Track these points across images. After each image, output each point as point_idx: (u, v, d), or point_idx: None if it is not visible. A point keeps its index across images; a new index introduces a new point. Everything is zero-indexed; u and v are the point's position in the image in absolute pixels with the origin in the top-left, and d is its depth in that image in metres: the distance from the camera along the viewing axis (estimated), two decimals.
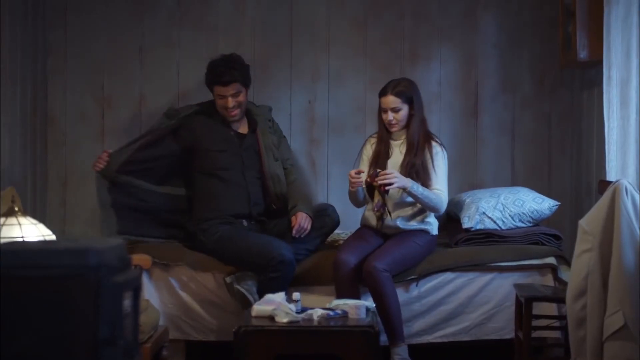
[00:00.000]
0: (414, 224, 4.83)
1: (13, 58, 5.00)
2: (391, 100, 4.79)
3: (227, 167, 4.98)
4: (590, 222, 3.89)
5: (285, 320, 4.10)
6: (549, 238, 5.04)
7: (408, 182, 4.68)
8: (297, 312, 4.19)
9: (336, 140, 5.78)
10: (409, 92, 4.81)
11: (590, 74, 5.37)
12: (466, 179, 5.78)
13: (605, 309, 3.74)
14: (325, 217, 5.02)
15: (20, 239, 3.67)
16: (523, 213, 5.11)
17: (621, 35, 4.36)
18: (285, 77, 5.79)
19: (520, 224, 5.11)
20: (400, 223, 4.81)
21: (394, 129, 4.84)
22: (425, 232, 4.86)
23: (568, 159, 5.77)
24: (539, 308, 4.61)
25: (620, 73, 4.36)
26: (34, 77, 5.43)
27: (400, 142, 4.87)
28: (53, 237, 3.83)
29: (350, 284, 4.64)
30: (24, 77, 5.23)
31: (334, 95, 5.78)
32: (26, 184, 5.24)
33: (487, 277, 4.93)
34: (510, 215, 5.09)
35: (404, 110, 4.80)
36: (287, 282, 4.68)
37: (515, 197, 5.16)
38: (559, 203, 5.20)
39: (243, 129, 5.11)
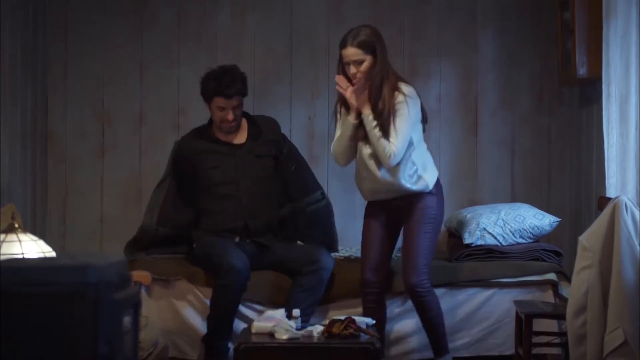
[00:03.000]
0: (407, 183, 4.48)
1: (13, 74, 5.01)
2: (352, 52, 4.43)
3: (221, 182, 4.95)
4: (590, 238, 3.89)
5: (285, 337, 4.09)
6: (549, 254, 5.04)
7: (366, 109, 4.41)
8: (297, 329, 4.18)
9: None
10: (371, 42, 4.43)
11: (589, 91, 5.38)
12: (466, 194, 5.79)
13: (605, 325, 3.74)
14: (316, 272, 4.80)
15: (21, 256, 3.67)
16: (524, 229, 5.11)
17: (620, 52, 4.36)
18: (285, 93, 5.80)
19: (520, 240, 5.11)
20: (391, 178, 4.47)
21: (357, 80, 4.44)
22: (425, 194, 4.54)
23: (567, 175, 5.77)
24: (539, 324, 4.60)
25: (619, 90, 4.37)
26: (34, 93, 5.44)
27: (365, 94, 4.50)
28: (53, 254, 3.83)
29: (379, 303, 4.67)
30: (24, 93, 5.24)
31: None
32: (26, 200, 5.24)
33: (488, 292, 4.92)
34: (510, 231, 5.09)
35: (367, 61, 4.43)
36: (236, 293, 4.63)
37: (516, 213, 5.17)
38: (559, 219, 5.20)
39: (239, 139, 5.04)
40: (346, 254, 5.29)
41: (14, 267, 2.79)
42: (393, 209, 4.61)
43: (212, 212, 4.95)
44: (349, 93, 4.43)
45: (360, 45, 4.41)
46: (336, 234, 5.17)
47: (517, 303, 4.63)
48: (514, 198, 5.73)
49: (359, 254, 5.31)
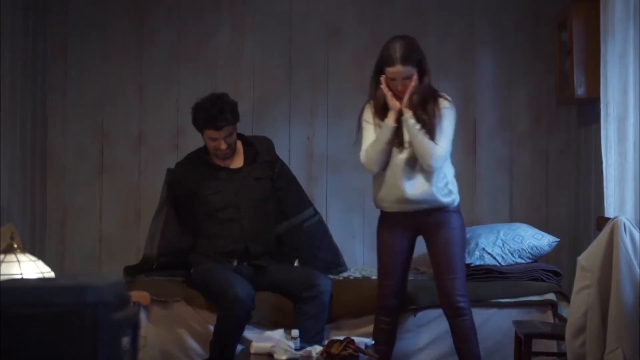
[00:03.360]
0: (438, 194, 4.42)
1: (13, 94, 5.02)
2: (401, 70, 4.36)
3: (222, 207, 4.94)
4: (588, 258, 3.89)
5: (284, 357, 4.08)
6: (548, 274, 5.04)
7: (407, 112, 4.36)
8: (296, 349, 4.17)
9: (335, 177, 5.79)
10: (417, 56, 4.41)
11: (587, 111, 5.39)
12: (465, 215, 5.72)
13: (604, 346, 3.73)
14: (316, 298, 4.76)
15: (20, 276, 3.66)
16: (523, 249, 5.11)
17: (618, 73, 4.38)
18: (284, 114, 5.81)
19: (519, 260, 5.11)
20: (423, 187, 4.40)
21: (404, 95, 4.39)
22: (452, 213, 4.49)
23: (566, 195, 5.77)
24: (539, 345, 4.59)
25: (617, 110, 4.38)
26: (34, 113, 5.45)
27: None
28: (52, 274, 3.82)
29: (395, 325, 4.63)
30: (24, 113, 5.25)
31: (332, 132, 5.80)
32: (25, 220, 5.24)
33: (487, 313, 4.91)
34: (509, 251, 5.09)
35: (414, 74, 4.38)
36: (242, 323, 4.63)
37: (515, 233, 5.17)
38: (558, 239, 5.20)
39: (236, 162, 5.03)
40: (345, 275, 5.28)
41: (13, 288, 2.79)
42: (415, 224, 4.51)
43: (213, 235, 4.94)
44: (390, 96, 4.38)
45: (409, 62, 4.36)
46: (339, 251, 5.17)
47: (517, 323, 4.62)
48: (512, 218, 5.73)
49: (358, 274, 5.33)
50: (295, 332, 4.30)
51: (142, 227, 5.68)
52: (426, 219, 4.47)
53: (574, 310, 3.91)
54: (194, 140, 5.48)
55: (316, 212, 5.16)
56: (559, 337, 4.37)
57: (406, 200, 4.43)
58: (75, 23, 5.76)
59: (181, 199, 5.02)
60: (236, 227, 4.91)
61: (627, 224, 3.80)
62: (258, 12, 5.81)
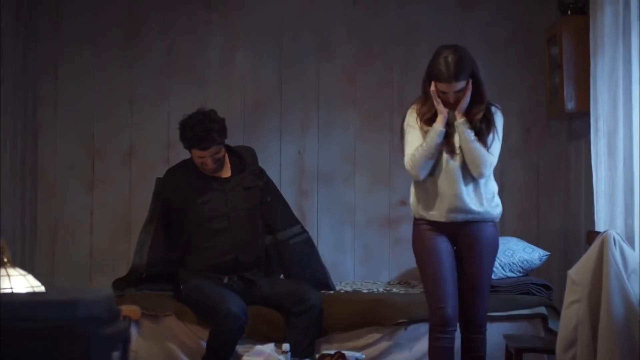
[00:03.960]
0: (488, 205, 4.19)
1: (3, 108, 5.02)
2: (454, 85, 4.12)
3: (212, 216, 4.95)
4: (579, 272, 3.90)
5: None
6: (539, 288, 5.04)
7: (460, 117, 4.14)
8: None
9: (326, 191, 5.79)
10: (469, 67, 4.16)
11: (577, 125, 5.41)
12: None
13: None
14: (307, 312, 4.74)
15: (9, 291, 3.65)
16: (513, 263, 5.12)
17: (607, 87, 4.40)
18: (275, 127, 5.81)
19: (510, 274, 5.12)
20: (469, 201, 4.15)
21: (454, 108, 4.17)
22: (492, 225, 4.25)
23: (556, 209, 5.79)
24: (530, 358, 4.59)
25: (607, 124, 4.40)
26: (24, 127, 5.45)
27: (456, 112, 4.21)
28: (42, 289, 3.81)
29: (453, 345, 4.20)
30: (14, 126, 5.25)
31: (323, 146, 5.81)
32: (15, 234, 5.23)
33: None
34: (500, 265, 5.10)
35: (465, 86, 4.15)
36: (235, 338, 4.62)
37: (506, 247, 5.17)
38: (548, 253, 5.21)
39: (225, 172, 5.02)
40: (336, 288, 5.27)
41: (2, 303, 2.77)
42: (458, 236, 4.22)
43: (203, 248, 4.93)
44: (439, 101, 4.14)
45: (461, 76, 4.11)
46: (327, 272, 5.16)
47: (507, 337, 4.62)
48: (503, 232, 5.72)
49: (349, 288, 5.32)
50: (286, 346, 4.30)
51: (133, 241, 5.65)
52: (465, 229, 4.20)
53: (565, 324, 3.92)
54: (184, 154, 5.48)
55: (304, 231, 5.15)
56: (550, 351, 4.38)
57: (461, 210, 4.16)
58: (66, 37, 5.76)
59: (171, 207, 5.02)
60: (226, 237, 4.91)
61: (617, 238, 3.82)
62: (249, 26, 5.82)
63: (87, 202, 5.74)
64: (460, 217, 4.17)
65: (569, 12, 5.18)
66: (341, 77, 5.83)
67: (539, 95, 5.72)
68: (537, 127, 5.82)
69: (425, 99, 4.22)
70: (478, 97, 4.18)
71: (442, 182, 4.17)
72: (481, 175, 4.13)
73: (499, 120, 4.23)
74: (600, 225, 4.42)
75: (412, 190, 4.29)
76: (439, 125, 4.13)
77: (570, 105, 5.10)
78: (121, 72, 5.78)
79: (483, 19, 5.83)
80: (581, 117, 5.15)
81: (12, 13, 5.19)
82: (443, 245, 4.20)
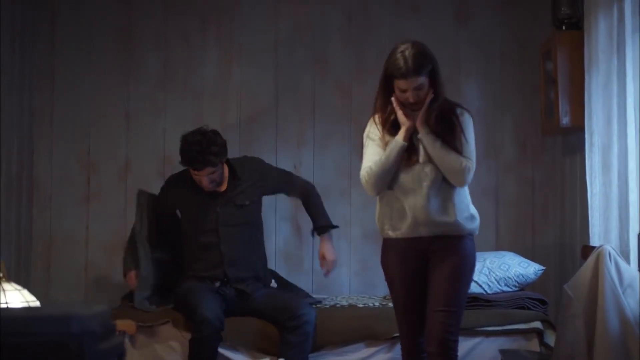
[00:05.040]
0: (460, 218, 3.91)
1: None
2: (411, 81, 3.81)
3: (201, 230, 4.98)
4: (574, 287, 3.90)
5: None
6: (534, 302, 5.04)
7: (423, 129, 3.85)
8: None
9: None
10: (429, 63, 3.84)
11: (572, 140, 5.42)
12: None
13: None
14: (300, 328, 4.72)
15: (4, 305, 3.65)
16: (509, 277, 5.12)
17: (602, 103, 4.41)
18: (270, 142, 5.82)
19: (506, 288, 5.12)
20: (434, 213, 3.85)
21: (416, 108, 3.89)
22: (467, 237, 3.96)
23: (551, 223, 5.79)
24: None
25: (601, 139, 4.41)
26: (20, 142, 5.45)
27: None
28: (37, 303, 3.81)
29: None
30: (10, 140, 5.24)
31: (319, 160, 5.81)
32: (10, 248, 5.22)
33: (473, 341, 4.91)
34: (496, 280, 5.10)
35: (426, 84, 3.86)
36: (210, 345, 4.61)
37: (501, 261, 5.18)
38: (544, 267, 5.21)
39: (222, 186, 5.04)
40: (332, 303, 5.27)
41: None
42: (428, 251, 3.90)
43: (194, 259, 4.99)
44: (401, 113, 3.87)
45: (421, 72, 3.81)
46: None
47: (503, 352, 4.62)
48: (498, 246, 5.74)
49: (344, 302, 5.32)
50: None
51: None
52: (435, 244, 3.90)
53: (561, 339, 3.91)
54: (180, 169, 5.48)
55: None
56: None
57: (427, 223, 3.86)
58: (61, 51, 5.77)
59: (164, 212, 5.09)
60: (215, 252, 4.95)
61: (612, 252, 3.82)
62: (244, 41, 5.83)
63: (82, 216, 5.73)
64: (426, 231, 3.86)
65: (564, 28, 5.20)
66: (337, 91, 5.84)
67: (533, 110, 5.74)
68: (532, 142, 5.83)
69: (383, 102, 3.92)
70: (441, 101, 3.91)
71: (404, 194, 3.87)
72: (463, 183, 3.87)
73: (467, 122, 3.92)
74: (595, 240, 4.42)
75: (377, 206, 4.00)
76: (400, 138, 3.86)
77: (565, 120, 5.11)
78: (117, 86, 5.79)
79: (478, 33, 5.85)
80: (576, 132, 5.16)
81: (7, 27, 5.19)
82: (409, 271, 3.89)
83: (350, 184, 5.77)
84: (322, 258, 5.02)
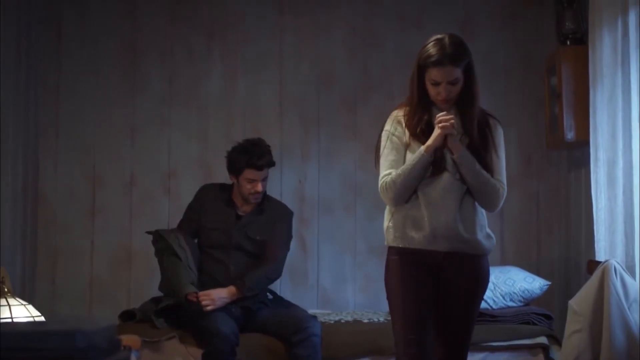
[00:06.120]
0: (479, 235, 3.56)
1: (4, 137, 5.03)
2: (449, 71, 3.47)
3: (216, 245, 5.00)
4: (580, 302, 3.90)
5: None
6: (540, 318, 5.03)
7: (459, 149, 3.49)
8: None
9: (326, 220, 5.79)
10: (468, 57, 3.53)
11: (577, 154, 5.42)
12: None
13: None
14: (306, 341, 4.69)
15: (10, 320, 3.65)
16: (514, 292, 5.11)
17: (607, 117, 4.42)
18: (275, 156, 5.79)
19: (511, 304, 5.11)
20: (459, 227, 3.52)
21: (447, 105, 3.56)
22: (483, 257, 3.62)
23: (556, 238, 5.78)
24: None
25: (607, 154, 4.41)
26: (25, 156, 5.46)
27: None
28: (42, 318, 3.81)
29: None
30: (15, 155, 5.26)
31: (324, 175, 5.82)
32: (15, 263, 5.22)
33: (479, 356, 4.89)
34: (501, 295, 5.09)
35: (461, 82, 3.53)
36: (224, 357, 4.58)
37: (506, 276, 5.17)
38: (549, 282, 5.21)
39: (245, 209, 5.07)
40: (336, 318, 5.26)
41: (2, 332, 2.77)
42: (441, 268, 3.58)
43: (205, 271, 4.99)
44: (440, 133, 3.48)
45: (458, 62, 3.48)
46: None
47: None
48: (503, 261, 5.73)
49: (349, 318, 5.31)
50: None
51: (134, 270, 5.67)
52: (450, 261, 3.57)
53: (566, 354, 3.91)
54: (185, 183, 5.51)
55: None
56: None
57: (451, 238, 3.53)
58: (67, 66, 5.78)
59: (196, 213, 5.08)
60: (222, 269, 4.96)
61: (618, 267, 3.82)
62: (249, 56, 5.84)
63: (87, 230, 5.73)
64: (444, 245, 3.53)
65: (568, 42, 5.21)
66: (341, 106, 5.85)
67: (538, 124, 5.74)
68: (536, 157, 5.83)
69: (414, 104, 3.59)
70: (469, 99, 3.57)
71: (426, 203, 3.53)
72: (494, 209, 3.57)
73: (500, 137, 3.61)
74: (600, 255, 4.42)
75: (388, 211, 3.64)
76: (427, 155, 3.50)
77: (570, 134, 5.11)
78: (122, 101, 5.80)
79: (483, 48, 5.85)
80: (581, 147, 5.16)
81: (13, 42, 5.21)
82: (421, 280, 3.55)
83: (355, 199, 5.77)
84: (208, 294, 4.81)
